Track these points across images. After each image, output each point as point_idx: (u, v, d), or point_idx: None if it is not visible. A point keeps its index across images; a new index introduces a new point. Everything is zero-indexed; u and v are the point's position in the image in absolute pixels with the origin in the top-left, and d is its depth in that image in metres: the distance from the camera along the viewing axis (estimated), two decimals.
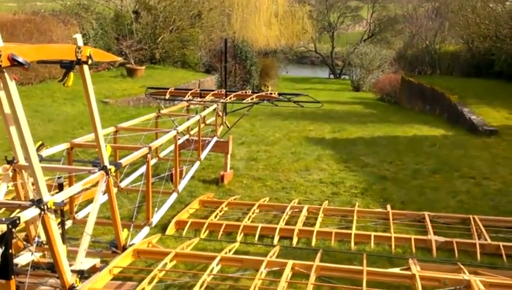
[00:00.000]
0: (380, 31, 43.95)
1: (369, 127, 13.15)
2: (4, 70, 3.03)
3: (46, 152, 4.74)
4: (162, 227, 5.62)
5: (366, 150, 9.97)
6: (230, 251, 4.55)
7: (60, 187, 4.59)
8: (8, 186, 4.19)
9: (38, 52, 3.41)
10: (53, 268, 3.67)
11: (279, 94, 8.43)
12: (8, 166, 4.16)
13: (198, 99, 8.02)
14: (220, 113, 8.03)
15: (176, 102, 9.73)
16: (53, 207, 3.41)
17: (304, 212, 5.93)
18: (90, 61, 3.86)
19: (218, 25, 26.79)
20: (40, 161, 4.44)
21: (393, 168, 8.46)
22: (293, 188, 7.34)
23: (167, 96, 8.14)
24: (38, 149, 4.58)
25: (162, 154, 6.89)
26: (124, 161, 4.50)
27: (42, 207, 3.32)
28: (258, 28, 29.69)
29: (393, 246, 5.24)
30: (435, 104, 17.64)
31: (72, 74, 3.76)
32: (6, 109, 4.07)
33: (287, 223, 5.72)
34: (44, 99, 14.45)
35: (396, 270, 4.16)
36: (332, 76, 43.53)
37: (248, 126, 12.52)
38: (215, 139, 7.52)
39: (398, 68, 27.12)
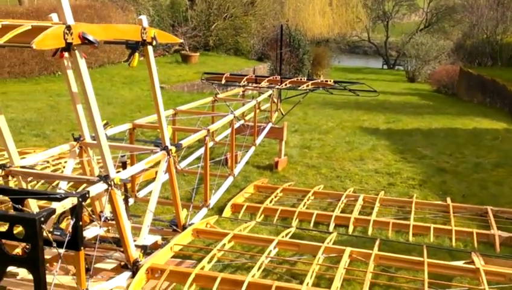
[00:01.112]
0: (437, 21, 42.45)
1: (425, 119, 12.78)
2: (75, 48, 3.12)
3: (109, 131, 4.87)
4: (218, 209, 5.68)
5: (423, 141, 9.69)
6: (286, 235, 4.54)
7: (124, 165, 4.71)
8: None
9: (107, 31, 3.48)
10: (118, 242, 3.79)
11: (335, 82, 8.30)
12: (75, 143, 4.31)
13: (254, 85, 8.03)
14: (275, 100, 8.01)
15: (231, 87, 9.82)
16: (119, 183, 3.51)
17: (360, 201, 5.84)
18: (154, 42, 3.91)
19: (271, 13, 26.71)
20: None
21: (452, 161, 8.18)
22: (347, 177, 7.24)
23: (223, 82, 8.19)
24: (103, 128, 4.71)
25: (217, 139, 6.96)
26: (184, 142, 4.56)
27: (109, 183, 3.42)
28: (312, 17, 29.39)
29: (453, 240, 5.07)
30: (496, 96, 16.92)
31: (137, 54, 3.83)
32: (74, 88, 4.24)
33: (342, 211, 5.66)
34: (104, 83, 14.90)
35: (460, 263, 4.03)
36: (385, 66, 42.53)
37: (301, 114, 12.45)
38: (270, 125, 7.51)
39: (457, 59, 26.12)
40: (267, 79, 8.15)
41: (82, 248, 3.15)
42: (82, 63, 3.22)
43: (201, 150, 6.12)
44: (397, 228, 5.27)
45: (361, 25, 39.39)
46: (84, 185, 5.04)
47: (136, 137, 5.30)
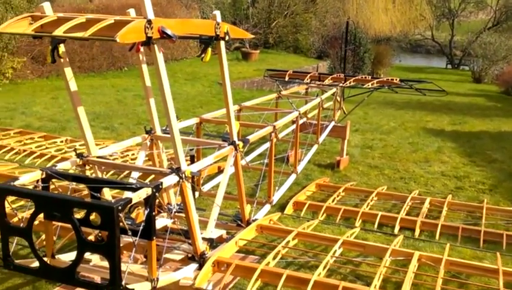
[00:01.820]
0: (506, 19, 40.39)
1: (494, 121, 12.23)
2: (154, 42, 3.20)
3: (178, 125, 4.97)
4: (280, 206, 5.68)
5: (492, 144, 9.28)
6: (351, 235, 4.47)
7: (192, 159, 4.81)
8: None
9: (183, 26, 3.54)
10: (186, 234, 3.87)
11: (401, 80, 8.09)
12: (146, 136, 4.43)
13: (317, 82, 7.96)
14: (338, 98, 7.91)
15: (293, 84, 9.78)
16: (189, 176, 3.58)
17: (426, 204, 5.67)
18: (227, 37, 3.95)
19: (332, 10, 26.43)
20: None
21: None
22: (412, 179, 7.04)
23: (286, 78, 8.18)
24: None
25: (280, 136, 6.95)
26: (251, 138, 4.59)
27: (181, 175, 3.49)
28: (374, 14, 28.80)
29: None
30: None
31: (209, 49, 3.88)
32: (147, 82, 4.36)
33: (407, 214, 5.51)
34: (167, 79, 15.23)
35: None
36: (450, 66, 41.01)
37: (361, 113, 12.24)
38: (332, 123, 7.44)
39: None
40: (330, 77, 8.06)
41: (154, 237, 3.24)
42: (160, 57, 3.30)
43: (264, 147, 6.17)
44: (467, 234, 5.07)
45: (424, 23, 38.13)
46: (152, 176, 5.21)
47: (202, 131, 5.39)
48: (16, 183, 3.23)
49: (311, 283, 3.38)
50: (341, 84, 7.80)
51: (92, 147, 3.82)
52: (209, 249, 3.86)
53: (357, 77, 8.20)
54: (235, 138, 4.27)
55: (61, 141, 7.76)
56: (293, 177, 5.82)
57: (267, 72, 8.82)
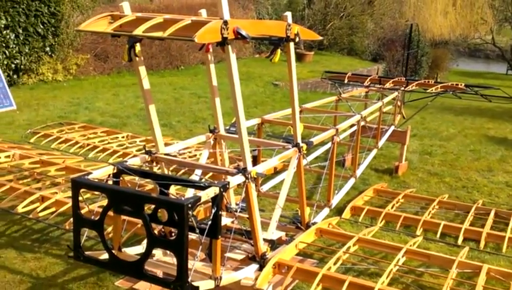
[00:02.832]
0: None
1: None
2: (229, 42, 3.24)
3: None
4: (337, 210, 5.62)
5: None
6: (414, 244, 4.36)
7: (254, 159, 4.84)
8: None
9: (255, 27, 3.56)
10: (247, 234, 3.89)
11: (466, 86, 7.82)
12: (210, 134, 4.49)
13: (378, 85, 7.82)
14: (399, 103, 7.74)
15: (349, 88, 9.66)
16: (255, 177, 3.60)
17: (492, 216, 5.45)
18: (297, 39, 3.95)
19: (389, 12, 25.92)
20: (237, 133, 4.75)
21: None
22: (475, 188, 6.80)
23: (345, 81, 8.08)
24: (235, 122, 4.86)
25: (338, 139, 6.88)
26: (315, 140, 4.56)
27: (247, 175, 3.51)
28: (433, 17, 28.01)
29: None
30: None
31: (279, 50, 3.88)
32: (214, 82, 4.42)
33: (471, 225, 5.32)
34: (222, 78, 15.17)
35: None
36: (510, 72, 39.34)
37: (418, 118, 11.91)
38: (392, 128, 7.29)
39: None
40: (392, 80, 7.90)
41: (219, 236, 3.28)
42: (233, 58, 3.34)
43: (322, 149, 6.12)
44: None
45: (485, 27, 36.72)
46: (210, 174, 5.27)
47: (263, 132, 5.41)
48: (90, 177, 3.35)
49: None
50: (402, 88, 7.63)
51: (160, 144, 3.90)
52: (270, 251, 3.87)
53: (419, 81, 7.99)
54: (299, 140, 4.26)
55: (123, 137, 7.99)
56: (352, 181, 5.75)
57: (326, 74, 8.75)
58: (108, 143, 7.63)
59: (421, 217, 5.30)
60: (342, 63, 21.51)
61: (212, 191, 3.16)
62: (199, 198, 3.04)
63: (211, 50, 4.23)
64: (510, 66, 39.57)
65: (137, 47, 3.52)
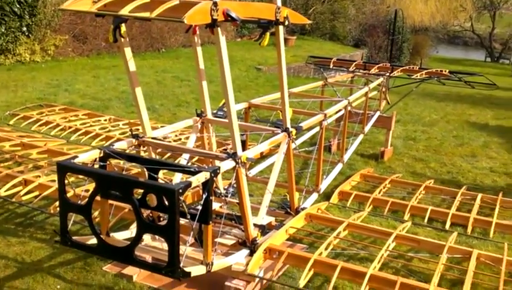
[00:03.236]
0: None
1: None
2: (219, 24, 3.13)
3: None
4: (325, 195, 5.58)
5: None
6: (403, 229, 4.36)
7: (242, 144, 4.75)
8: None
9: (245, 9, 3.45)
10: (237, 219, 3.83)
11: (450, 72, 7.84)
12: (197, 118, 4.39)
13: (363, 71, 7.78)
14: (384, 88, 7.72)
15: (332, 73, 9.61)
16: (245, 162, 3.52)
17: (478, 201, 5.49)
18: (286, 22, 3.86)
19: None
20: (224, 117, 4.66)
21: None
22: (460, 174, 6.85)
23: (331, 66, 8.02)
24: (223, 105, 4.77)
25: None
26: (304, 125, 4.50)
27: (237, 160, 3.44)
28: (413, 3, 28.07)
29: None
30: None
31: (268, 34, 3.80)
32: (201, 65, 4.31)
33: (458, 210, 5.34)
34: (205, 61, 14.88)
35: None
36: (489, 59, 39.85)
37: (401, 104, 11.95)
38: (378, 113, 7.27)
39: None
40: (377, 66, 7.87)
41: (211, 222, 3.21)
42: (222, 40, 3.24)
43: (309, 134, 6.06)
44: None
45: (464, 14, 37.06)
46: (196, 158, 5.17)
47: (250, 116, 5.33)
48: (76, 160, 3.24)
49: (367, 276, 3.30)
50: (387, 74, 7.61)
51: (147, 128, 3.80)
52: (260, 236, 3.82)
53: (404, 67, 7.97)
54: (289, 125, 4.19)
55: (105, 120, 7.82)
56: (339, 166, 5.73)
57: (310, 59, 8.67)
58: (91, 126, 7.47)
59: (409, 202, 5.31)
60: (324, 48, 21.43)
61: (203, 176, 3.09)
62: (190, 183, 2.96)
63: (197, 32, 4.10)
64: (488, 53, 40.11)
65: (123, 28, 3.37)
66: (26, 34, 12.09)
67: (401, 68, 7.82)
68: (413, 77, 7.55)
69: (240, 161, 3.45)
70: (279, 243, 3.90)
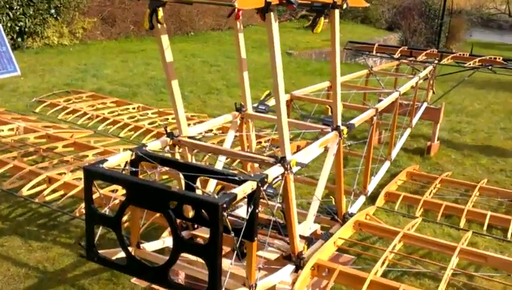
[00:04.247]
0: None
1: None
2: (272, 8, 2.70)
3: (271, 102, 4.48)
4: (369, 196, 5.13)
5: None
6: (465, 240, 3.88)
7: None
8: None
9: None
10: (282, 230, 3.42)
11: (504, 60, 7.21)
12: (236, 113, 3.97)
13: (409, 58, 7.22)
14: (432, 77, 7.15)
15: (369, 58, 9.01)
16: (295, 167, 3.10)
17: None
18: (344, 6, 3.40)
19: None
20: (266, 112, 4.23)
21: None
22: None
23: (374, 52, 7.48)
24: (265, 99, 4.35)
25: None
26: (356, 122, 4.04)
27: (286, 166, 3.02)
28: None
29: None
30: None
31: (322, 18, 3.34)
32: (243, 54, 3.87)
33: None
34: (234, 46, 14.58)
35: None
36: None
37: (440, 92, 11.35)
38: (425, 104, 6.74)
39: None
40: (424, 53, 7.29)
41: (256, 239, 2.81)
42: (275, 27, 2.80)
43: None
44: None
45: None
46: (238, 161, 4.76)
47: (292, 110, 4.89)
48: (105, 165, 2.86)
49: None
50: (436, 62, 7.03)
51: (183, 125, 3.39)
52: (307, 249, 3.41)
53: (454, 54, 7.38)
54: (339, 123, 3.74)
55: (134, 108, 7.48)
56: (387, 165, 5.26)
57: (350, 44, 8.13)
58: (119, 115, 7.14)
59: (464, 207, 4.82)
60: (356, 31, 20.69)
61: (249, 187, 2.68)
62: (235, 196, 2.56)
63: (240, 17, 3.66)
64: None
65: (160, 12, 2.97)
66: (55, 16, 11.83)
67: (452, 55, 7.24)
68: (465, 65, 6.95)
69: (289, 166, 3.02)
70: (327, 257, 3.48)
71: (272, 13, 2.72)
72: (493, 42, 36.12)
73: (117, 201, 3.90)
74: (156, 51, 12.63)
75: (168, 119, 7.15)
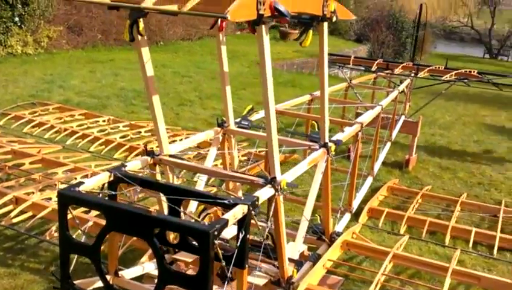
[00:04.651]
0: None
1: None
2: (265, 21, 2.54)
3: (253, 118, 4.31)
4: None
5: None
6: (455, 259, 3.78)
7: None
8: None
9: (293, 2, 2.84)
10: (270, 251, 3.23)
11: (479, 73, 7.27)
12: (219, 129, 3.78)
13: (386, 71, 7.19)
14: (408, 90, 7.14)
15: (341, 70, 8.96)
16: (285, 188, 2.93)
17: None
18: (334, 18, 3.27)
19: None
20: (249, 128, 4.05)
21: None
22: (492, 185, 6.29)
23: (351, 65, 7.42)
24: (248, 114, 4.17)
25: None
26: (343, 138, 3.91)
27: (276, 187, 2.84)
28: None
29: None
30: None
31: (311, 31, 3.21)
32: (225, 67, 3.70)
33: (502, 231, 4.78)
34: (205, 56, 14.55)
35: None
36: (487, 56, 39.43)
37: (412, 105, 11.44)
38: (403, 118, 6.69)
39: None
40: (401, 66, 7.28)
41: (247, 266, 2.62)
42: (266, 40, 2.64)
43: None
44: None
45: (464, 9, 36.65)
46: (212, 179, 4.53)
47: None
48: (82, 188, 2.62)
49: None
50: (413, 75, 7.02)
51: (164, 143, 3.18)
52: (296, 273, 3.24)
53: (430, 67, 7.39)
54: (327, 139, 3.60)
55: (104, 121, 7.18)
56: (369, 180, 5.17)
57: (328, 56, 8.02)
58: (88, 128, 6.84)
59: (448, 223, 4.75)
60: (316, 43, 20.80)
61: (240, 211, 2.49)
62: (226, 222, 2.37)
63: (224, 29, 3.49)
64: (487, 50, 39.66)
65: (141, 23, 2.77)
66: (19, 24, 11.36)
67: (428, 68, 7.24)
68: (442, 78, 6.96)
69: (279, 187, 2.85)
70: (316, 281, 3.32)
71: (263, 26, 2.56)
72: (456, 54, 37.07)
73: (90, 223, 3.64)
74: (124, 61, 12.31)
75: (140, 132, 6.89)
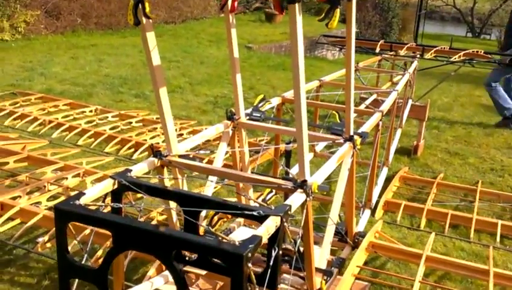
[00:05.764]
0: None
1: None
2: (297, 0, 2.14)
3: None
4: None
5: None
6: (492, 259, 3.46)
7: (288, 155, 3.78)
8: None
9: None
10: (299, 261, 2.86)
11: (485, 53, 6.94)
12: (228, 122, 3.37)
13: (390, 53, 6.82)
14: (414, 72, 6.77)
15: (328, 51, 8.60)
16: (316, 192, 2.54)
17: None
18: None
19: None
20: (262, 120, 3.66)
21: None
22: (505, 171, 6.00)
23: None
24: (259, 104, 3.76)
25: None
26: (367, 129, 3.53)
27: (308, 191, 2.45)
28: None
29: None
30: None
31: (338, 11, 2.79)
32: (235, 53, 3.30)
33: None
34: (190, 40, 14.02)
35: None
36: (469, 34, 39.41)
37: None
38: (410, 102, 6.35)
39: None
40: (406, 46, 6.90)
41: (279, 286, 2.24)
42: (299, 21, 2.23)
43: None
44: None
45: None
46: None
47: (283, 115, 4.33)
48: (83, 200, 2.20)
49: None
50: (418, 56, 6.66)
51: (173, 142, 2.76)
52: (325, 285, 2.87)
53: (437, 48, 7.01)
54: (352, 132, 3.22)
55: (91, 111, 6.71)
56: (385, 171, 4.83)
57: (324, 37, 7.64)
58: (75, 119, 6.36)
59: (472, 215, 4.43)
60: (312, 23, 20.27)
61: (273, 224, 2.10)
62: (260, 240, 1.98)
63: (236, 10, 3.07)
64: (469, 29, 39.62)
65: (147, 6, 2.34)
66: None
67: (435, 49, 6.87)
68: (452, 59, 6.60)
69: (310, 191, 2.46)
70: None
71: (297, 4, 2.15)
72: (439, 33, 36.95)
73: (87, 231, 3.24)
74: (107, 46, 11.73)
75: (131, 123, 6.43)
